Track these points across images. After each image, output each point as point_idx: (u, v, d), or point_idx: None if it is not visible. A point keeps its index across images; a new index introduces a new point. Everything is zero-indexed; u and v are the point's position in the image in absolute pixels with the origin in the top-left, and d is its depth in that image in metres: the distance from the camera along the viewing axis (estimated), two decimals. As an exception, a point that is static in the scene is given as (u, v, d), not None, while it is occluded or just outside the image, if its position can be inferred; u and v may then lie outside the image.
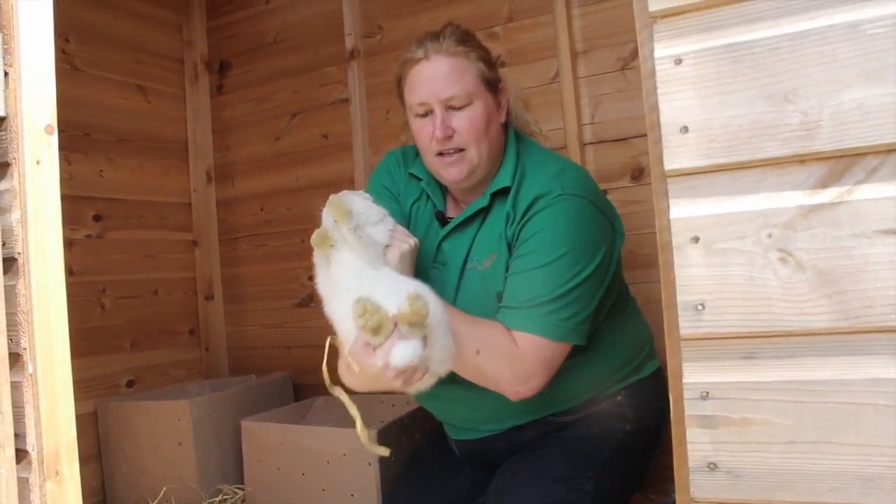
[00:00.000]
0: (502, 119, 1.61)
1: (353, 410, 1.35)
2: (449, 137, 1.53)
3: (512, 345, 1.42)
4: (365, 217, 1.40)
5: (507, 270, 1.52)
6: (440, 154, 1.56)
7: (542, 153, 1.64)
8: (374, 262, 1.35)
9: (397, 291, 1.22)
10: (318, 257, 1.40)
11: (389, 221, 1.46)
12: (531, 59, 2.35)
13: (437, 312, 1.25)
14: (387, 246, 1.42)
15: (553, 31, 2.30)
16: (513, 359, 1.42)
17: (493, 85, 1.59)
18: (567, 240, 1.46)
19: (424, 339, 1.21)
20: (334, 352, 1.41)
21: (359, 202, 1.43)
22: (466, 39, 1.57)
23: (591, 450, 1.59)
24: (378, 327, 1.17)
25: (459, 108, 1.53)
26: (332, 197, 1.38)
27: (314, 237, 1.35)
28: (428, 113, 1.55)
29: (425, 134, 1.56)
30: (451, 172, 1.57)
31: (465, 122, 1.53)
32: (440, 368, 1.31)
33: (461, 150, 1.54)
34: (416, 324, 1.18)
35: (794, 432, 0.86)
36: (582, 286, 1.45)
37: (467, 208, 1.61)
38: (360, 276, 1.31)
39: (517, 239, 1.51)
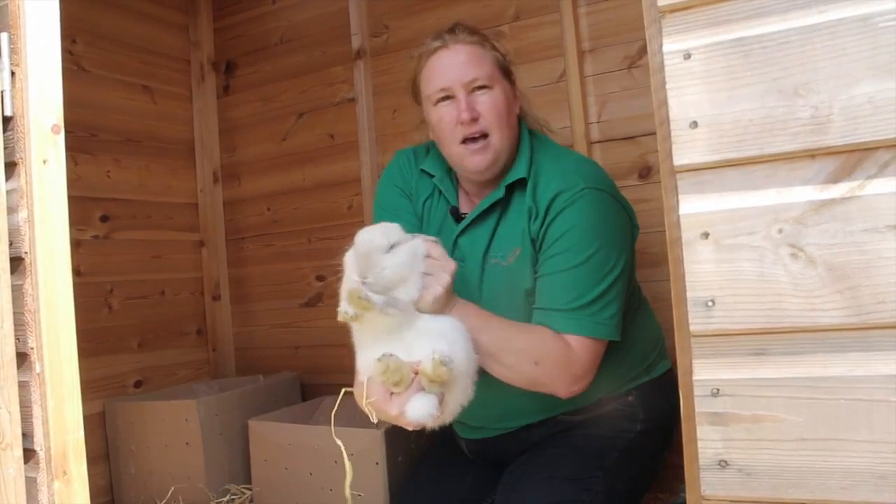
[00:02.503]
0: (517, 109, 1.63)
1: (348, 465, 1.38)
2: (475, 120, 1.53)
3: (565, 349, 1.44)
4: (392, 271, 1.31)
5: (533, 267, 1.52)
6: (465, 142, 1.54)
7: (555, 147, 1.65)
8: (408, 317, 1.33)
9: (428, 344, 1.26)
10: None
11: (419, 257, 1.36)
12: (538, 58, 2.35)
13: (462, 363, 1.28)
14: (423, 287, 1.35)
15: (559, 30, 2.30)
16: (570, 362, 1.44)
17: (508, 74, 1.62)
18: (597, 236, 1.47)
19: (442, 396, 1.26)
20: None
21: (381, 255, 1.32)
22: (478, 33, 1.61)
23: (601, 450, 1.59)
24: (399, 382, 1.23)
25: (482, 93, 1.54)
26: (350, 290, 1.27)
27: (343, 312, 1.28)
28: (449, 98, 1.55)
29: (448, 120, 1.55)
30: (475, 161, 1.55)
31: (489, 106, 1.54)
32: (457, 410, 1.35)
33: (485, 135, 1.54)
34: (436, 382, 1.23)
35: (805, 429, 0.85)
36: (617, 282, 1.48)
37: (483, 201, 1.60)
38: (391, 335, 1.32)
39: (545, 237, 1.51)
